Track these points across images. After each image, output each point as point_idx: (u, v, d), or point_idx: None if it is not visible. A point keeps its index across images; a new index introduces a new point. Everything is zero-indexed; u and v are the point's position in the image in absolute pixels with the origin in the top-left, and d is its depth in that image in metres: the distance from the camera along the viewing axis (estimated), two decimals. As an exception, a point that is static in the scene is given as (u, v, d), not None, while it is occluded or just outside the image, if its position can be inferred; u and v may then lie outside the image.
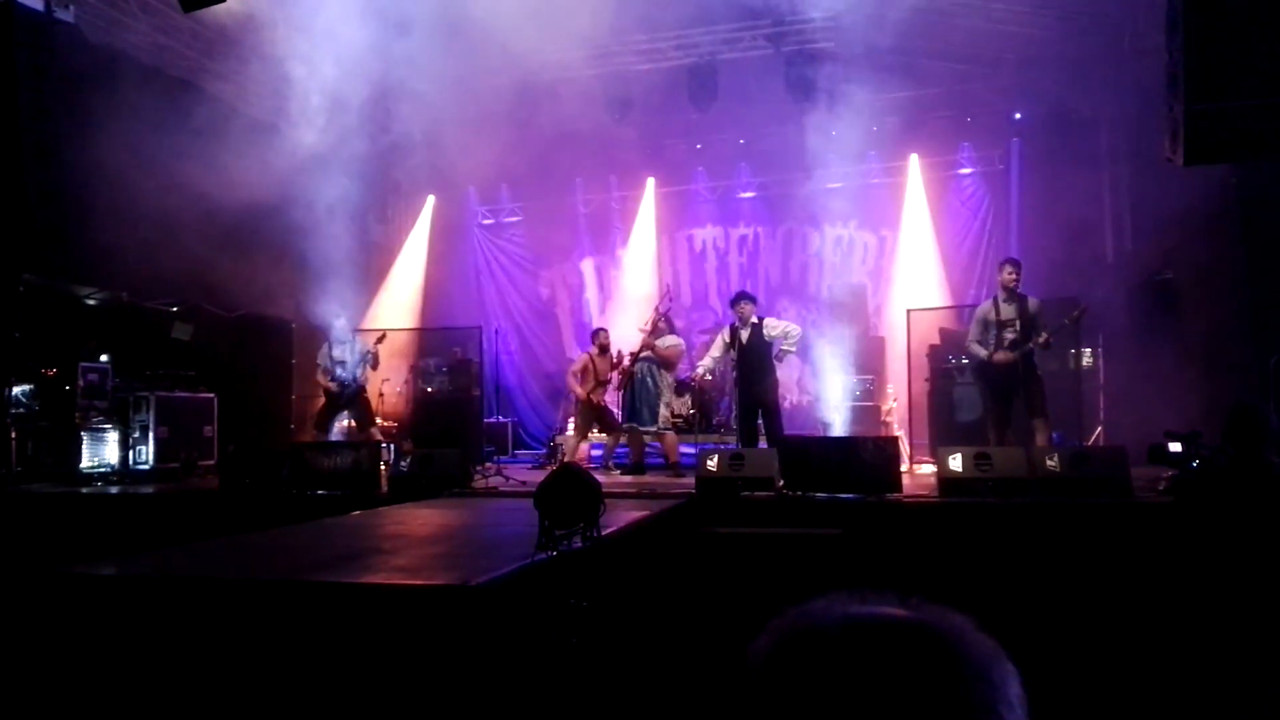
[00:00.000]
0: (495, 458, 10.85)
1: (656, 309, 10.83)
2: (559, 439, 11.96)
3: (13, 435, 9.09)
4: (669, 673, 4.55)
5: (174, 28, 11.40)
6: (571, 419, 12.18)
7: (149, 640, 3.50)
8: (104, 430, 9.58)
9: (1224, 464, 6.44)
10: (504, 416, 14.39)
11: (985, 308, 8.93)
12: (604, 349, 10.72)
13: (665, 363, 10.27)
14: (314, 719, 3.24)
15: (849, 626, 0.81)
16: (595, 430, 11.00)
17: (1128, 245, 12.60)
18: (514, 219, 16.37)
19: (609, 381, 10.68)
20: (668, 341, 10.34)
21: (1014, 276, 8.67)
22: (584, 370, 10.70)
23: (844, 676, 0.77)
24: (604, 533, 4.50)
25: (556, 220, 15.92)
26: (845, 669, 0.77)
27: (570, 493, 4.34)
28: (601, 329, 11.11)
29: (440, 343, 14.25)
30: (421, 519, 6.27)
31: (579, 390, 10.65)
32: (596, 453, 11.35)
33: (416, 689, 3.22)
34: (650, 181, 15.27)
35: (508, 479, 8.95)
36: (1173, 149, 7.58)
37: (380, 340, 10.85)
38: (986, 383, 8.96)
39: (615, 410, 10.85)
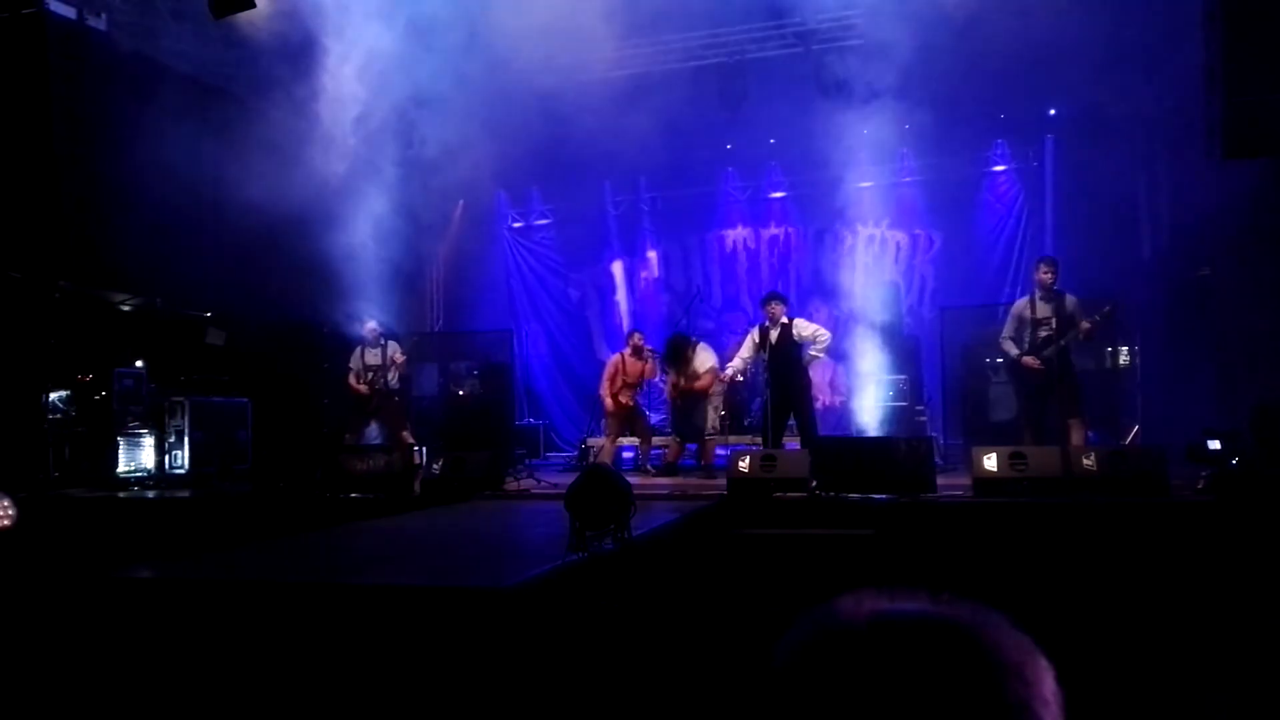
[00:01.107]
0: (527, 460, 10.86)
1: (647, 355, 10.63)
2: (590, 441, 11.94)
3: (50, 441, 9.21)
4: (700, 674, 4.52)
5: (205, 35, 11.49)
6: (603, 421, 12.18)
7: (185, 642, 3.52)
8: (140, 435, 9.68)
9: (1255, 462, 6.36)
10: (535, 419, 14.41)
11: (1021, 304, 8.83)
12: (637, 350, 10.66)
13: (708, 388, 10.11)
14: (346, 721, 3.24)
15: (877, 622, 0.79)
16: (627, 434, 10.94)
17: (1165, 242, 12.42)
18: (544, 222, 16.37)
19: (638, 385, 10.60)
20: (703, 367, 10.12)
21: (1050, 275, 8.56)
22: (614, 372, 10.68)
23: (873, 673, 0.75)
24: (635, 534, 4.48)
25: (586, 223, 15.92)
26: (874, 665, 0.75)
27: (601, 495, 4.32)
28: (636, 330, 11.06)
29: (471, 346, 14.28)
30: (454, 521, 6.29)
31: (605, 392, 10.64)
32: (628, 455, 11.32)
33: (450, 690, 3.22)
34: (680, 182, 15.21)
35: (539, 481, 8.95)
36: (1211, 143, 7.46)
37: (412, 344, 10.90)
38: (1020, 381, 8.85)
39: (650, 415, 10.81)
